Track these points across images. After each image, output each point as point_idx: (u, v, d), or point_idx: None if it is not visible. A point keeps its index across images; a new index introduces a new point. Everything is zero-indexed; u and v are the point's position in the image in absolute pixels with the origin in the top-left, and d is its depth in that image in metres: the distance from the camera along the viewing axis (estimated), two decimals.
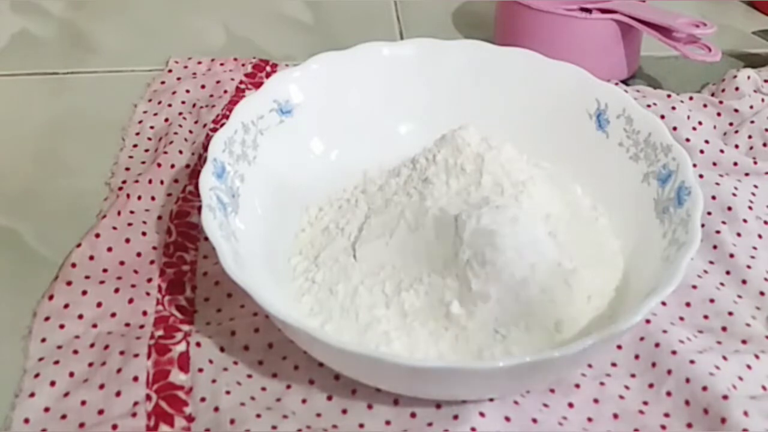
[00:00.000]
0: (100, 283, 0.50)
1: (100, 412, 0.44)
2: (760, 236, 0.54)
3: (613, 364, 0.47)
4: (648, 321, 0.48)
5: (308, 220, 0.52)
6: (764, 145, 0.61)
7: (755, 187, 0.57)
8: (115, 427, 0.43)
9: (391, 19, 0.76)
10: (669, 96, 0.64)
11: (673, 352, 0.46)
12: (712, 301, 0.50)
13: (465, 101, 0.56)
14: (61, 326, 0.47)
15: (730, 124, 0.63)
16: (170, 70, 0.67)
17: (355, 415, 0.44)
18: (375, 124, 0.56)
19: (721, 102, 0.64)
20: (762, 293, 0.51)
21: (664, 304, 0.48)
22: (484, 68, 0.56)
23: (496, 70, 0.56)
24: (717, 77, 0.68)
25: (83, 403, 0.44)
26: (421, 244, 0.47)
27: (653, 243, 0.47)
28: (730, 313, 0.49)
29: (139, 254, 0.52)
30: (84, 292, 0.49)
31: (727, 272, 0.52)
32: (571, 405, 0.45)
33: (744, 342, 0.48)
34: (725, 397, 0.44)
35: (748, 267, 0.52)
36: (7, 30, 0.71)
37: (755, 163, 0.59)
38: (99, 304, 0.49)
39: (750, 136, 0.62)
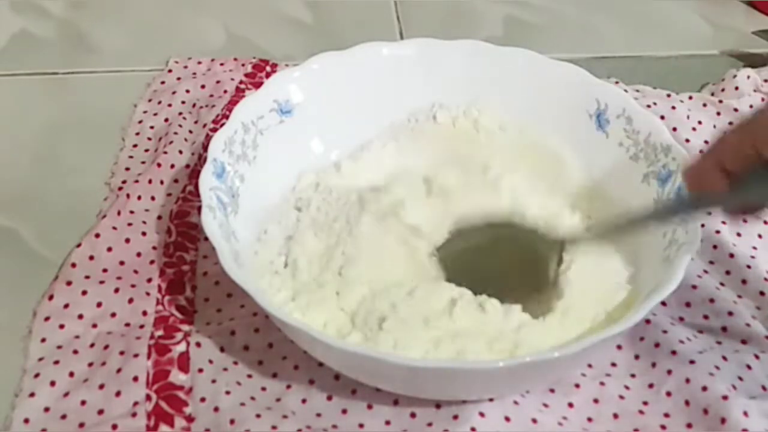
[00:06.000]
0: (100, 283, 0.50)
1: (100, 412, 0.44)
2: (760, 236, 0.54)
3: (613, 364, 0.47)
4: (648, 321, 0.48)
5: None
6: None
7: None
8: (115, 427, 0.43)
9: (391, 19, 0.75)
10: (669, 96, 0.64)
11: (673, 352, 0.46)
12: (712, 301, 0.50)
13: (465, 101, 0.56)
14: (61, 326, 0.47)
15: (730, 123, 0.63)
16: (170, 70, 0.67)
17: (355, 415, 0.44)
18: (375, 124, 0.56)
19: (720, 101, 0.64)
20: (762, 293, 0.51)
21: (664, 304, 0.48)
22: (484, 68, 0.56)
23: (496, 70, 0.56)
24: (717, 77, 0.68)
25: (83, 403, 0.44)
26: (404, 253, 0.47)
27: (653, 243, 0.47)
28: (730, 313, 0.49)
29: (139, 254, 0.52)
30: (84, 292, 0.49)
31: (727, 272, 0.52)
32: (571, 405, 0.45)
33: (744, 342, 0.48)
34: (725, 397, 0.44)
35: (748, 267, 0.52)
36: (7, 30, 0.71)
37: None
38: (99, 304, 0.49)
39: None
